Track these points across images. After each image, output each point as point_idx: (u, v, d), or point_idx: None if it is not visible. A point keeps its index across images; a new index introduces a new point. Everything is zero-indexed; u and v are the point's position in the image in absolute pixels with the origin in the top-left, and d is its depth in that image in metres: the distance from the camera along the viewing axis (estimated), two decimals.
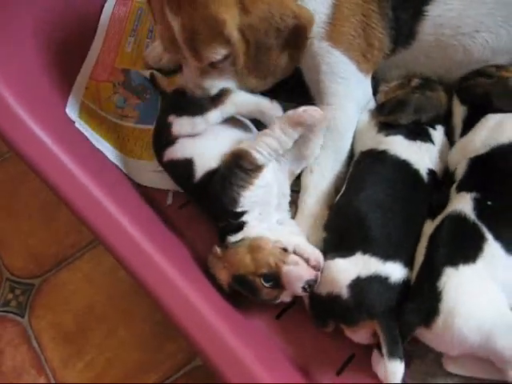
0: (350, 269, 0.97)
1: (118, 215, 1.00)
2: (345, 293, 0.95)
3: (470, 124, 1.08)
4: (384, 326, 0.93)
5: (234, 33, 0.99)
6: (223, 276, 1.04)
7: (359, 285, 0.95)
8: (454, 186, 1.04)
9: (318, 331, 1.05)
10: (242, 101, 1.10)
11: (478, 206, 0.96)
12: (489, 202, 0.96)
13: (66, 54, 1.33)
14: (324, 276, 0.99)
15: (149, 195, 1.24)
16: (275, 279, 0.99)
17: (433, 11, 1.07)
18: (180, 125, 1.10)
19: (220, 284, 1.05)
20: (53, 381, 1.22)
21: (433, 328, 0.91)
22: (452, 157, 1.09)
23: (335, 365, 1.05)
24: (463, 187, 1.01)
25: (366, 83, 1.13)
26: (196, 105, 1.09)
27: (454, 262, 0.93)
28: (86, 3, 1.39)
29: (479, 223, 0.95)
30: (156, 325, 1.22)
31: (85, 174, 1.04)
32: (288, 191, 1.13)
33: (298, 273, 0.98)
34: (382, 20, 1.06)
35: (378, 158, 1.07)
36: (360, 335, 0.98)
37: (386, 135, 1.09)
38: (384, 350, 0.92)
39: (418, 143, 1.08)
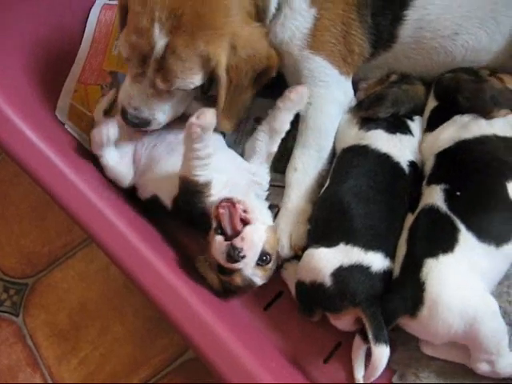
0: (333, 258, 0.99)
1: (108, 213, 1.03)
2: (328, 281, 0.98)
3: (436, 118, 1.11)
4: (368, 313, 0.96)
5: (223, 73, 1.01)
6: (211, 275, 1.07)
7: (341, 274, 0.98)
8: (425, 180, 1.07)
9: (305, 321, 1.08)
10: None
11: (449, 198, 1.00)
12: (457, 193, 0.99)
13: (55, 57, 1.35)
14: (308, 265, 1.01)
15: None
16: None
17: (412, 16, 1.09)
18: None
19: (211, 284, 1.07)
20: (48, 378, 1.24)
21: (418, 317, 0.94)
22: (422, 152, 1.11)
23: (322, 353, 1.08)
24: (432, 180, 1.05)
25: (346, 84, 1.15)
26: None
27: (434, 253, 0.96)
28: (73, 8, 1.41)
29: (451, 215, 0.98)
30: (148, 320, 1.24)
31: (75, 174, 1.06)
32: (266, 175, 1.16)
33: (217, 247, 1.01)
34: (362, 27, 1.09)
35: (359, 152, 1.10)
36: (344, 322, 1.01)
37: (367, 130, 1.11)
38: (370, 336, 0.94)
39: (399, 136, 1.11)
